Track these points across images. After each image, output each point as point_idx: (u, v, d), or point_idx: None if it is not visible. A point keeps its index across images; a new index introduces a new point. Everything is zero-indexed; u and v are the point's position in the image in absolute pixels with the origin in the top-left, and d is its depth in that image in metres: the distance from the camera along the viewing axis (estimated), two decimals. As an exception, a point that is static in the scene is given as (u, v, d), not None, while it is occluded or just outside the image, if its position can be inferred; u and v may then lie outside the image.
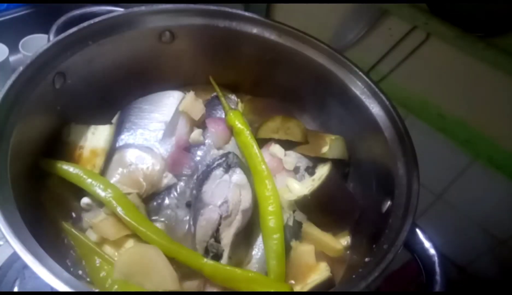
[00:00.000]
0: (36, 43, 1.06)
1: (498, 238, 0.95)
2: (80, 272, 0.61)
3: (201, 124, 0.77)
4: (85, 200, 0.64)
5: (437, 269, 0.57)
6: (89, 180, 0.63)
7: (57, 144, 0.69)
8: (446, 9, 0.76)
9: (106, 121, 0.74)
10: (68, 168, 0.64)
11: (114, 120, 0.75)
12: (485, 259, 1.00)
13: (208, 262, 0.59)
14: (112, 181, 0.66)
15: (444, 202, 1.00)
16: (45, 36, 0.93)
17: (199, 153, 0.74)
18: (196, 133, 0.74)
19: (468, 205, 0.96)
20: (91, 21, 0.66)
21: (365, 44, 0.93)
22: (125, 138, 0.72)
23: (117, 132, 0.72)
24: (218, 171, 0.67)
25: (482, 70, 0.77)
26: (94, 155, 0.68)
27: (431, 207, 1.01)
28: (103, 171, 0.68)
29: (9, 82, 0.56)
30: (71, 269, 0.61)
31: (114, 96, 0.76)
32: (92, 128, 0.70)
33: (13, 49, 1.07)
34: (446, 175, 0.97)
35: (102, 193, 0.62)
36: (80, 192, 0.65)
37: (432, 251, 0.58)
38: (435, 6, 0.77)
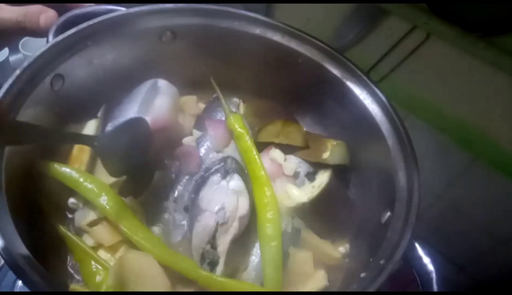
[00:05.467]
0: (36, 43, 1.06)
1: (498, 238, 0.95)
2: (77, 276, 0.61)
3: (200, 125, 0.78)
4: (71, 200, 0.64)
5: (435, 286, 0.56)
6: (85, 183, 0.63)
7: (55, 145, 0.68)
8: (446, 9, 0.75)
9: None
10: (64, 171, 0.64)
11: (99, 113, 0.75)
12: (485, 259, 1.00)
13: (202, 272, 0.59)
14: (98, 176, 0.66)
15: (444, 202, 1.00)
16: (45, 36, 0.92)
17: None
18: (189, 139, 0.75)
19: (468, 205, 0.96)
20: (91, 22, 0.66)
21: (365, 44, 0.93)
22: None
23: (102, 126, 0.72)
24: (216, 177, 0.66)
25: (482, 70, 0.77)
26: (81, 151, 0.68)
27: (431, 207, 1.01)
28: (90, 167, 0.68)
29: (6, 86, 0.56)
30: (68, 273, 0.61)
31: (114, 97, 0.75)
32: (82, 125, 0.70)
33: (13, 49, 1.07)
34: (446, 175, 0.96)
35: (97, 199, 0.62)
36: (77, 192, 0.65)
37: (430, 267, 0.57)
38: (435, 6, 0.76)
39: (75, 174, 0.63)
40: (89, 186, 0.62)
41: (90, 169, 0.68)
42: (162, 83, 0.77)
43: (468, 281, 1.04)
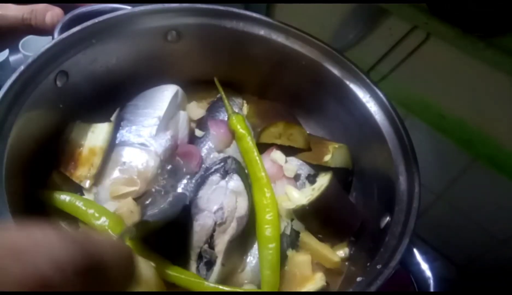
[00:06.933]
0: (36, 43, 1.06)
1: (498, 238, 0.95)
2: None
3: (202, 125, 0.77)
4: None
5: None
6: (83, 208, 0.62)
7: (59, 142, 0.68)
8: (446, 9, 0.76)
9: (109, 119, 0.74)
10: (64, 199, 0.63)
11: (113, 117, 0.75)
12: (485, 259, 1.00)
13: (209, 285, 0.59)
14: (108, 181, 0.66)
15: (444, 202, 1.00)
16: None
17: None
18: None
19: (468, 205, 0.97)
20: (96, 20, 0.66)
21: (365, 44, 0.93)
22: (120, 136, 0.72)
23: (115, 130, 0.72)
24: (215, 177, 0.66)
25: (482, 70, 0.77)
26: (92, 154, 0.67)
27: (431, 207, 1.02)
28: (101, 171, 0.67)
29: (9, 82, 0.56)
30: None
31: (118, 95, 0.75)
32: (93, 127, 0.70)
33: (13, 49, 1.07)
34: (446, 175, 0.97)
35: (97, 222, 0.61)
36: (79, 191, 0.65)
37: (428, 273, 0.57)
38: (435, 6, 0.77)
39: (74, 200, 0.63)
40: (90, 211, 0.61)
41: (101, 173, 0.67)
42: (182, 94, 0.78)
43: (468, 281, 1.04)
